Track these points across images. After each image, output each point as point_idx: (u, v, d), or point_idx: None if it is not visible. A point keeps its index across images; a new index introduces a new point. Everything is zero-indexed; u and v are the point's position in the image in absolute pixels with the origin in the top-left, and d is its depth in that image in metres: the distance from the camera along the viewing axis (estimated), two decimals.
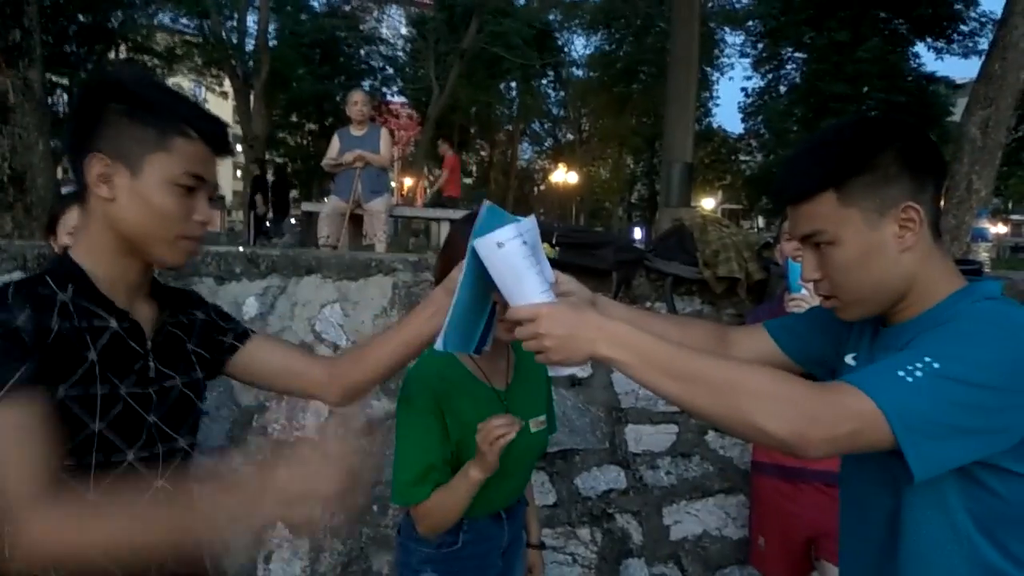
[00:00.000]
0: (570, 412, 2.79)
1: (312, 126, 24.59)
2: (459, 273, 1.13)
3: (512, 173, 30.42)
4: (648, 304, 2.84)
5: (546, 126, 32.20)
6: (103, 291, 1.10)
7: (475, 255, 1.07)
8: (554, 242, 2.74)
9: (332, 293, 2.82)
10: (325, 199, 6.32)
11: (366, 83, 23.07)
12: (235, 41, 20.57)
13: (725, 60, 27.31)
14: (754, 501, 2.42)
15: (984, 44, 18.32)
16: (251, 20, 20.63)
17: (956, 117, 15.18)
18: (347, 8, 24.26)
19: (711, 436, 2.83)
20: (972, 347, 0.94)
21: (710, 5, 23.67)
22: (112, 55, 20.11)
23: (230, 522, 1.05)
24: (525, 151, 33.68)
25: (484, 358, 1.54)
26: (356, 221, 5.79)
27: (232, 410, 2.73)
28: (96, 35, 19.19)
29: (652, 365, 0.95)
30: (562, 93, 30.14)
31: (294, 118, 24.63)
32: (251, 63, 19.62)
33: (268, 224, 12.39)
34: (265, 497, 1.00)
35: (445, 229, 6.44)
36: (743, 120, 26.53)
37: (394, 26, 26.70)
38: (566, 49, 28.85)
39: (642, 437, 2.82)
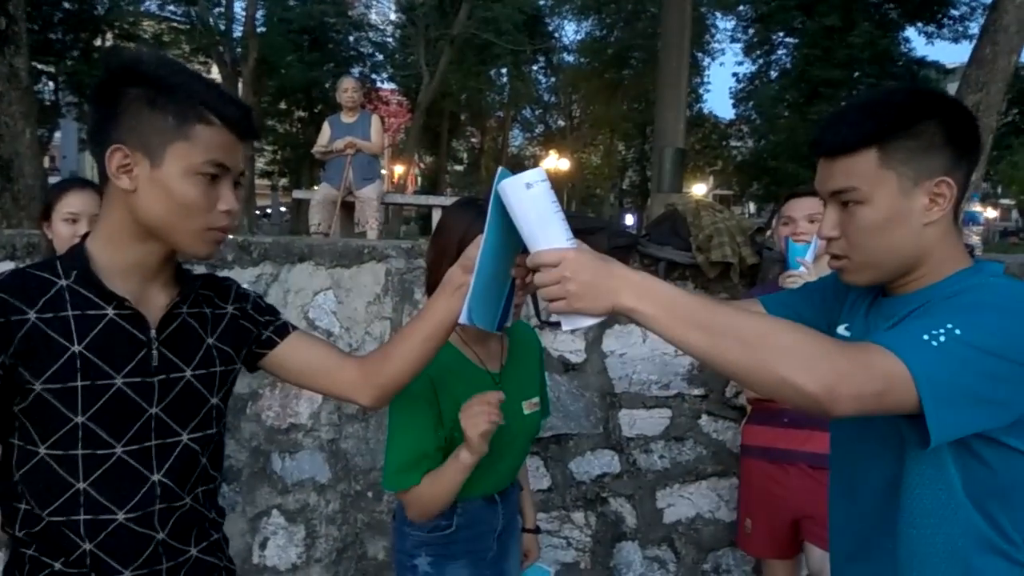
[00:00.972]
0: (564, 397, 2.80)
1: (301, 113, 24.43)
2: (476, 250, 1.10)
3: (503, 160, 30.35)
4: None
5: (537, 112, 32.12)
6: (102, 278, 1.07)
7: (498, 209, 1.05)
8: None
9: (325, 280, 2.81)
10: (315, 187, 6.29)
11: (355, 70, 22.92)
12: (222, 28, 20.41)
13: (716, 45, 27.33)
14: (742, 484, 2.43)
15: (975, 28, 18.36)
16: (238, 6, 20.51)
17: None
18: None
19: (704, 420, 2.84)
20: (992, 317, 0.95)
21: None
22: (98, 42, 19.91)
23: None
24: (516, 138, 33.66)
25: (478, 342, 1.55)
26: (347, 208, 5.77)
27: None
28: (82, 22, 18.98)
29: (678, 317, 0.91)
30: (553, 79, 30.06)
31: (283, 105, 24.45)
32: (239, 50, 19.49)
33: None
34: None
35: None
36: (734, 106, 26.48)
37: (383, 12, 26.54)
38: (557, 35, 28.78)
39: (636, 421, 2.83)
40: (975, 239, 2.88)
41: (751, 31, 24.67)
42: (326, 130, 5.71)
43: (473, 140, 32.59)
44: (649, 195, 12.73)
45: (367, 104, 18.02)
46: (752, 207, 31.41)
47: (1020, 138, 21.92)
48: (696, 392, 2.83)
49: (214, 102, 1.05)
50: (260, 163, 25.41)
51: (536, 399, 1.65)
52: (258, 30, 19.69)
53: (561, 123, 31.47)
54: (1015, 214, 40.95)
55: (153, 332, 1.11)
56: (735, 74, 26.07)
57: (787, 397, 0.90)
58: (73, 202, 2.07)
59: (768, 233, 2.93)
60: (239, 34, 19.81)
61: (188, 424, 1.15)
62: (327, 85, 20.72)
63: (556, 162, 28.07)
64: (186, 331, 1.17)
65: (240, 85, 18.99)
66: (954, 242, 1.08)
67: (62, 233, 2.05)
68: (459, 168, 34.09)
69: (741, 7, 24.37)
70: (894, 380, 0.89)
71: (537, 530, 1.91)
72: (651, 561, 2.85)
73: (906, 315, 1.00)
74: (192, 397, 1.16)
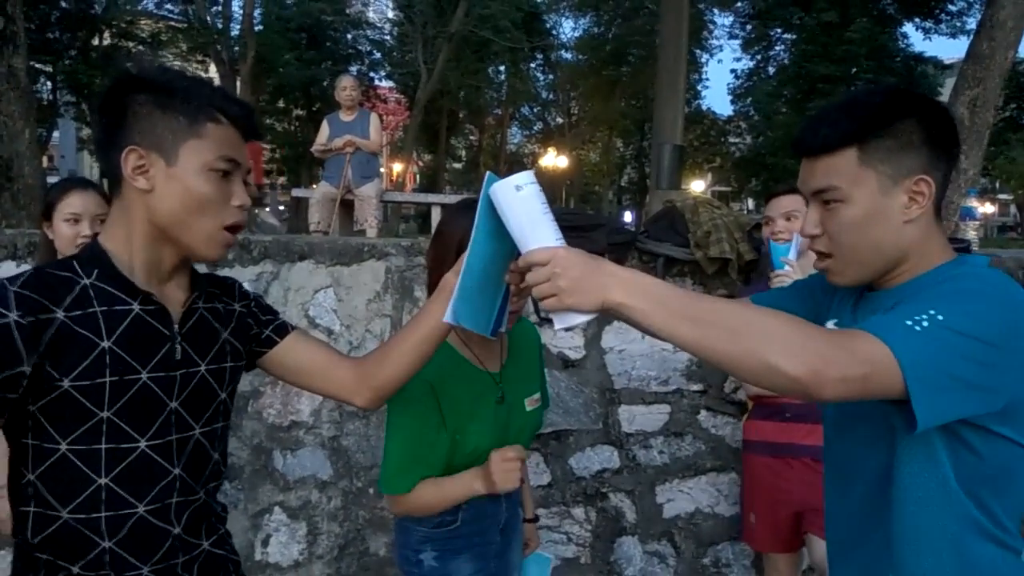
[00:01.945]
0: (564, 393, 2.81)
1: (300, 112, 24.39)
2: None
3: (501, 158, 30.33)
4: None
5: (535, 110, 32.09)
6: (126, 274, 1.09)
7: (488, 213, 1.08)
8: None
9: (325, 278, 2.82)
10: (315, 185, 6.29)
11: (353, 68, 22.90)
12: (220, 26, 20.34)
13: (714, 42, 27.27)
14: (745, 479, 2.45)
15: (972, 24, 18.35)
16: (236, 5, 20.45)
17: (944, 97, 15.23)
18: None
19: (703, 416, 2.86)
20: (973, 304, 0.96)
21: None
22: (96, 41, 19.89)
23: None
24: (514, 135, 33.64)
25: (477, 342, 1.56)
26: (347, 206, 5.78)
27: None
28: (79, 21, 18.96)
29: (667, 311, 0.93)
30: (551, 76, 30.02)
31: (281, 104, 24.42)
32: (236, 48, 19.43)
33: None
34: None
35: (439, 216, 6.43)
36: (732, 102, 26.52)
37: (381, 10, 26.52)
38: (554, 32, 28.75)
39: (635, 417, 2.85)
40: (972, 234, 2.89)
41: (749, 27, 24.68)
42: (325, 128, 5.72)
43: (472, 138, 32.55)
44: (648, 192, 12.73)
45: (365, 102, 18.00)
46: (750, 203, 31.41)
47: (1018, 133, 21.95)
48: (695, 388, 2.84)
49: (220, 101, 1.10)
50: None
51: (537, 395, 1.67)
52: (256, 28, 19.64)
53: (559, 120, 31.43)
54: (1013, 209, 40.96)
55: (176, 326, 1.13)
56: (733, 70, 26.05)
57: (774, 382, 0.92)
58: (75, 202, 2.07)
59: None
60: (237, 33, 19.74)
61: (200, 418, 1.17)
62: (325, 83, 20.71)
63: (555, 159, 28.09)
64: (204, 326, 1.19)
65: (238, 84, 18.94)
66: (936, 237, 1.10)
67: (64, 233, 2.06)
68: (458, 166, 34.06)
69: (739, 3, 24.40)
70: (879, 363, 0.90)
71: (536, 519, 1.93)
72: (651, 556, 2.87)
73: (891, 307, 1.02)
74: (205, 391, 1.18)
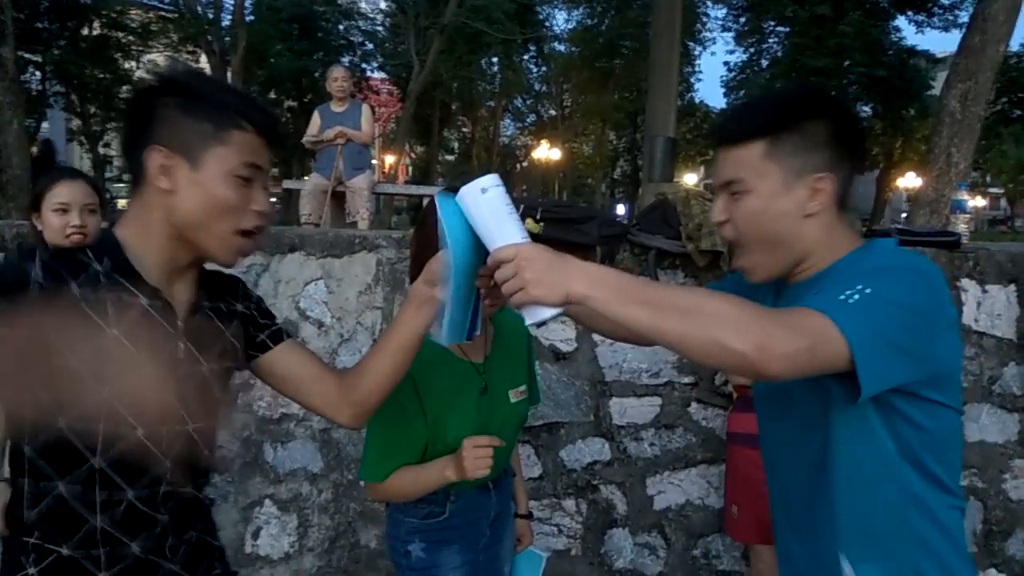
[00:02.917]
0: (555, 386, 2.82)
1: (291, 103, 24.27)
2: (438, 264, 1.15)
3: (494, 150, 30.29)
4: None
5: (528, 102, 32.03)
6: (137, 268, 1.10)
7: (458, 229, 1.11)
8: (538, 217, 2.74)
9: (316, 270, 2.81)
10: (306, 177, 6.26)
11: (345, 59, 22.81)
12: (211, 16, 20.22)
13: (707, 34, 27.28)
14: (728, 471, 2.46)
15: (964, 17, 18.40)
16: None
17: (936, 91, 15.26)
18: None
19: (694, 408, 2.86)
20: (896, 277, 1.02)
21: None
22: (85, 31, 19.73)
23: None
24: (507, 127, 33.55)
25: None
26: (338, 198, 5.76)
27: None
28: (68, 11, 18.81)
29: (625, 297, 0.98)
30: (544, 68, 29.96)
31: (272, 95, 24.28)
32: (227, 39, 19.32)
33: None
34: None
35: None
36: (725, 95, 26.52)
37: (373, 0, 26.35)
38: (547, 23, 28.65)
39: (626, 409, 2.85)
40: (962, 228, 2.90)
41: (742, 20, 24.67)
42: (316, 120, 5.68)
43: (464, 130, 32.47)
44: (640, 185, 12.73)
45: (357, 93, 17.94)
46: None
47: (1009, 127, 22.07)
48: (686, 380, 2.85)
49: (247, 110, 1.11)
50: None
51: (523, 387, 1.67)
52: (247, 19, 19.52)
53: (552, 112, 31.40)
54: (1003, 203, 41.16)
55: (181, 324, 1.15)
56: (726, 63, 26.10)
57: (722, 360, 0.95)
58: (63, 192, 2.05)
59: None
60: (227, 23, 19.63)
61: (195, 414, 1.18)
62: (316, 74, 20.60)
63: (548, 151, 28.04)
64: (209, 324, 1.21)
65: (229, 74, 18.84)
66: (840, 230, 1.14)
67: (52, 223, 2.04)
68: (450, 158, 33.97)
69: None
70: (822, 335, 0.94)
71: (530, 515, 1.93)
72: (641, 547, 2.88)
73: (816, 293, 1.05)
74: (204, 390, 1.19)
